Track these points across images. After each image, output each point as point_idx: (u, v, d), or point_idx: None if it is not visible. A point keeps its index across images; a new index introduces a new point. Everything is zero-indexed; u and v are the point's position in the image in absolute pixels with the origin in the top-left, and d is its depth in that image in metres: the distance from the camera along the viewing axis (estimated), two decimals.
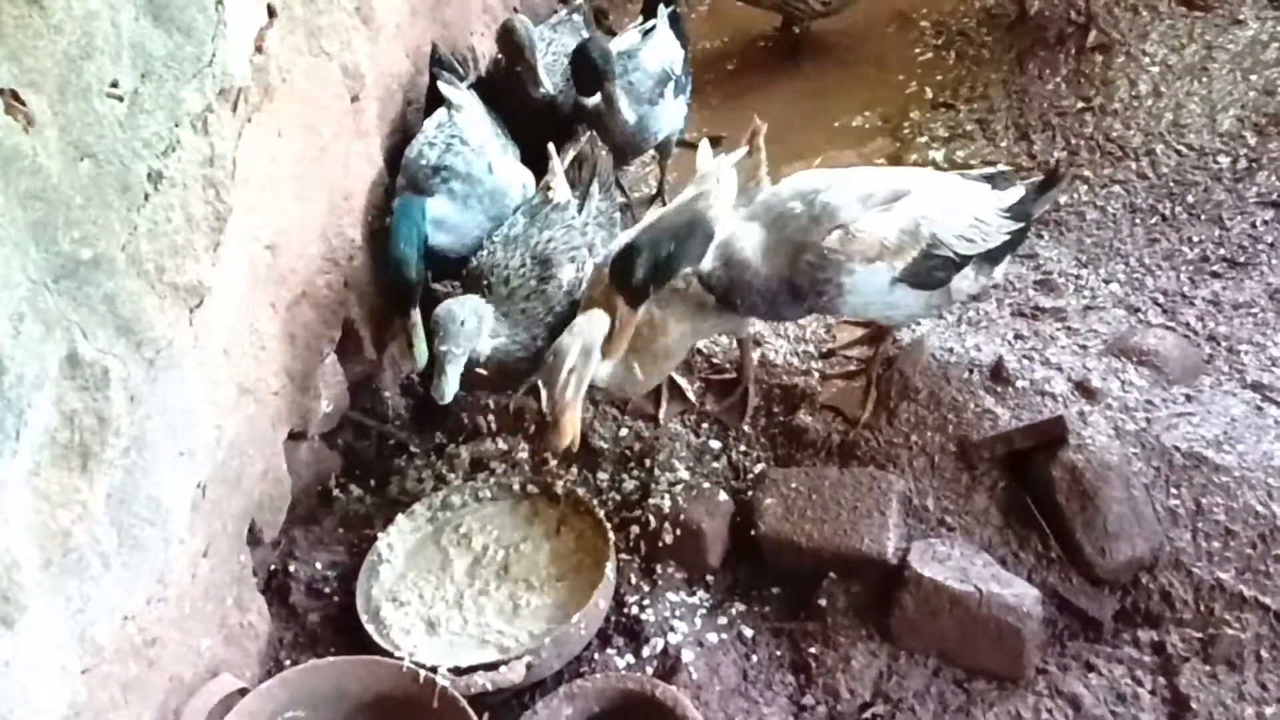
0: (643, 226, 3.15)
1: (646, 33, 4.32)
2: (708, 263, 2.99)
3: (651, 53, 4.25)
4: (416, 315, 3.29)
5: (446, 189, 3.62)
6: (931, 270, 3.05)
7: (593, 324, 3.01)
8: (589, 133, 3.96)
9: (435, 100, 4.02)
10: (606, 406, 3.59)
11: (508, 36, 4.03)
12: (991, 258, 3.17)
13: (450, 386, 3.06)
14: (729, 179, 3.36)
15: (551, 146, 3.80)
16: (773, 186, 3.26)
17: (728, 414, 3.55)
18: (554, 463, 3.45)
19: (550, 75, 4.09)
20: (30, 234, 2.06)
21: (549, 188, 3.67)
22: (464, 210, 3.64)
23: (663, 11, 4.44)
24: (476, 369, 3.21)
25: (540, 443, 3.51)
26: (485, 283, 3.40)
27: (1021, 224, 3.17)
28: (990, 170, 3.40)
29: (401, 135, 3.92)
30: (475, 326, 3.15)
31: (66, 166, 2.14)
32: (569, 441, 2.94)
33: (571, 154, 3.84)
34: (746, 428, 3.51)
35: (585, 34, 4.42)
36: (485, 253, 3.50)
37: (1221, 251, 4.00)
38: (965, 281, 3.16)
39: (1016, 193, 3.16)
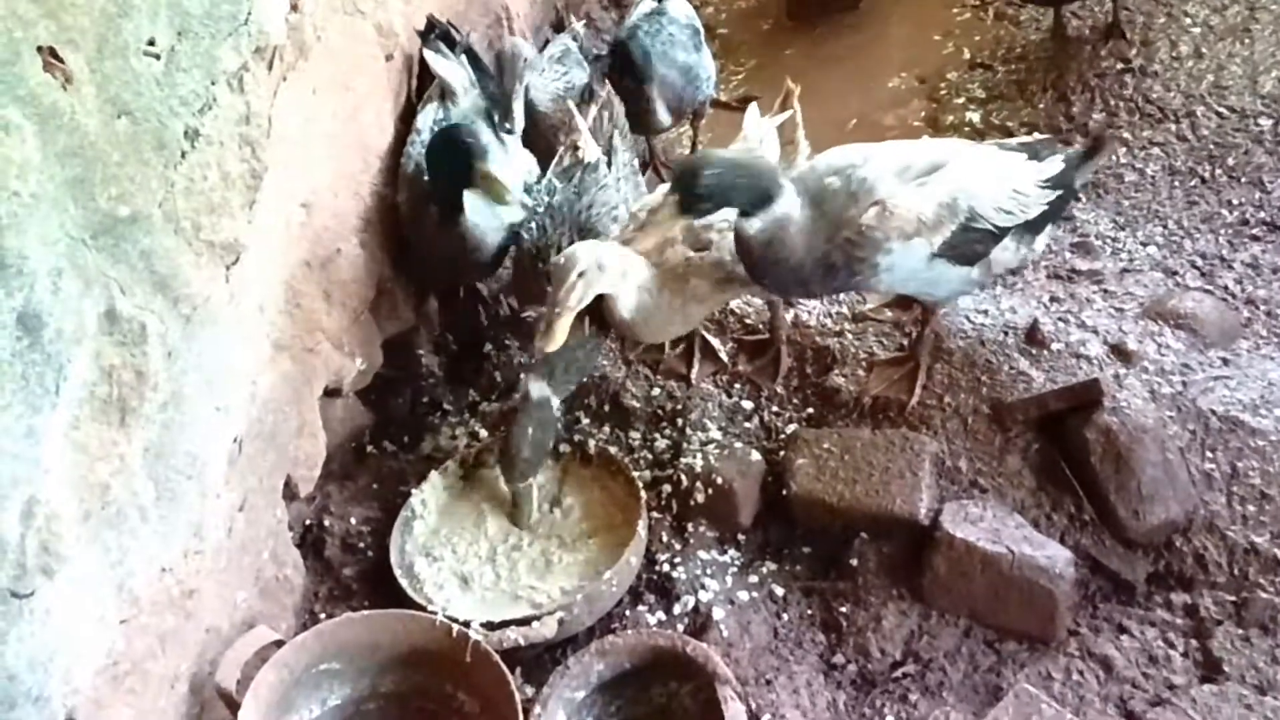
0: (722, 151, 3.09)
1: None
2: (754, 225, 2.91)
3: (676, 4, 4.25)
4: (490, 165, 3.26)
5: None
6: (971, 243, 3.01)
7: (615, 248, 3.05)
8: (606, 88, 3.89)
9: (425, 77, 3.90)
10: (639, 366, 3.60)
11: (498, 60, 4.01)
12: (1032, 228, 3.13)
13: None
14: (772, 142, 3.35)
15: (572, 104, 3.76)
16: (810, 160, 3.22)
17: (760, 374, 3.54)
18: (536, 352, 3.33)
19: (557, 103, 4.02)
20: (69, 191, 2.08)
21: (576, 146, 3.62)
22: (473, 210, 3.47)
23: None
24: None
25: (531, 340, 3.47)
26: (542, 260, 3.37)
27: (1061, 192, 3.12)
28: (1029, 139, 3.34)
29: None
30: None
31: (104, 124, 2.15)
32: (554, 346, 2.94)
33: (594, 111, 3.77)
34: (779, 388, 3.50)
35: (585, 66, 4.26)
36: (535, 229, 3.46)
37: (1261, 214, 3.96)
38: (1006, 254, 3.12)
39: (1056, 163, 3.12)
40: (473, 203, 3.40)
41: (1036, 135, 3.38)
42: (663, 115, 4.02)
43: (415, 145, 3.60)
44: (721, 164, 2.85)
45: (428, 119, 3.67)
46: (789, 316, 3.60)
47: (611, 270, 2.98)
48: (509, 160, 3.70)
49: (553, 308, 2.94)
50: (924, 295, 3.23)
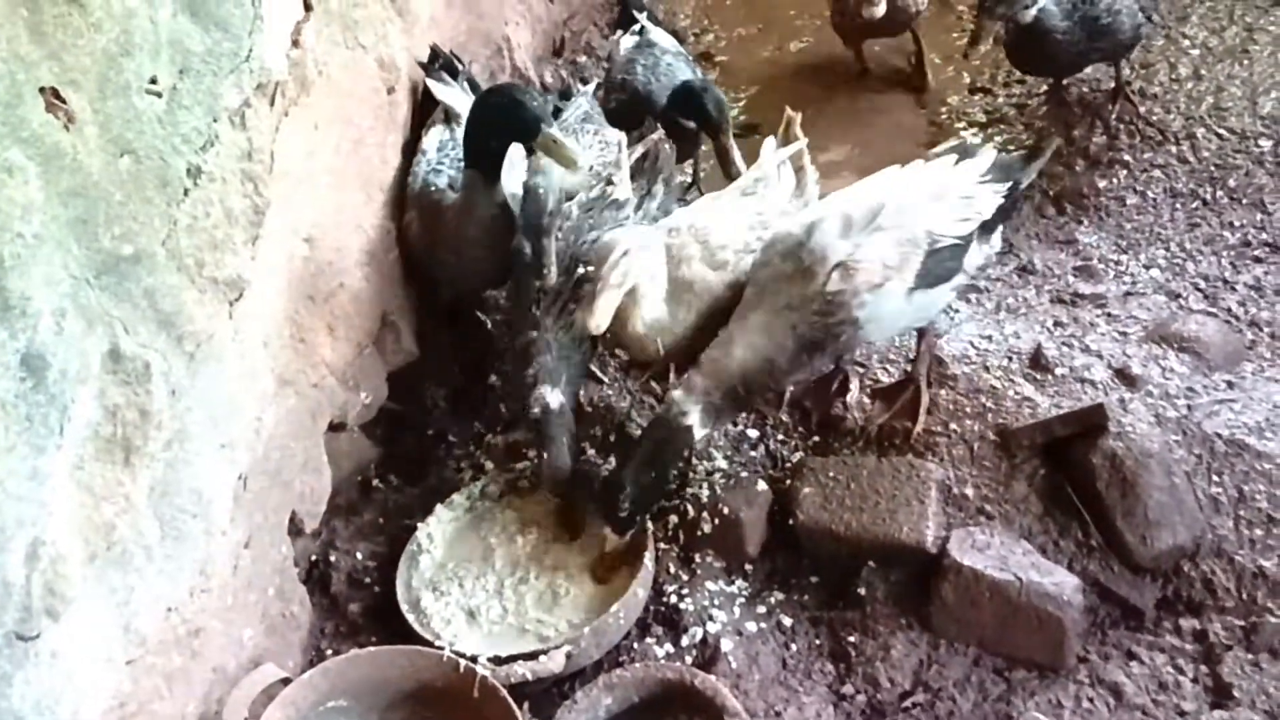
0: (623, 462, 3.14)
1: (638, 32, 4.36)
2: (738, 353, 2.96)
3: (658, 34, 4.29)
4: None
5: None
6: (942, 263, 3.01)
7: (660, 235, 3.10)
8: (658, 130, 3.83)
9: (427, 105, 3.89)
10: (644, 395, 3.60)
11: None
12: (986, 226, 3.12)
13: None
14: (787, 174, 3.36)
15: (624, 139, 3.72)
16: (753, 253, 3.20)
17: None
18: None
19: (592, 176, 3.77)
20: (71, 231, 2.09)
21: (611, 181, 3.57)
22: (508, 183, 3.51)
23: (642, 16, 4.53)
24: None
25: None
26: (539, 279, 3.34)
27: (1010, 184, 3.12)
28: (950, 144, 3.36)
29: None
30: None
31: (107, 163, 2.16)
32: (599, 325, 2.92)
33: (640, 150, 3.75)
34: (784, 416, 3.49)
35: (600, 126, 4.01)
36: (532, 246, 3.38)
37: (1264, 236, 3.97)
38: (974, 256, 3.12)
39: (988, 155, 3.16)
40: (508, 175, 3.45)
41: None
42: (739, 164, 3.95)
43: (421, 165, 3.62)
44: (630, 478, 3.02)
45: (433, 140, 3.69)
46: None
47: (654, 256, 2.99)
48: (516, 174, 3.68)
49: (597, 285, 2.95)
50: (918, 325, 3.24)
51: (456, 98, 3.79)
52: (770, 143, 3.51)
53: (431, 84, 3.82)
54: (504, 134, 3.31)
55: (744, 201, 3.32)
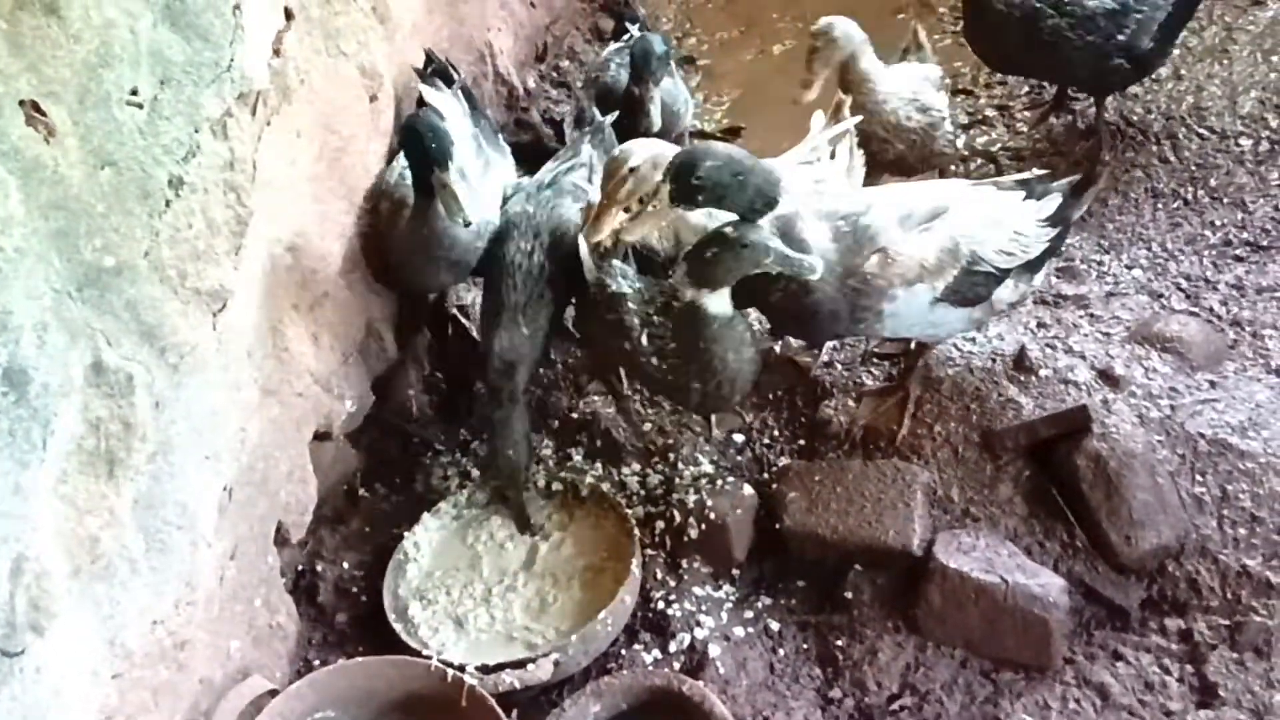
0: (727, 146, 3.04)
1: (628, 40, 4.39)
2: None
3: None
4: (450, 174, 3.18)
5: None
6: (973, 286, 3.02)
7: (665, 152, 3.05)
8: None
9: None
10: (629, 402, 3.59)
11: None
12: (1031, 266, 3.13)
13: None
14: (841, 153, 3.40)
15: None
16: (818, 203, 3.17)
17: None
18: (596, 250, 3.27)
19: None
20: (53, 244, 2.08)
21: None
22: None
23: (634, 28, 4.54)
24: None
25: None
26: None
27: (1060, 229, 3.13)
28: (1024, 176, 3.31)
29: None
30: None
31: (87, 175, 2.15)
32: (601, 239, 2.95)
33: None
34: (770, 420, 3.50)
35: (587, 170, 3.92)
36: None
37: (1244, 235, 3.98)
38: (1006, 291, 3.12)
39: (1054, 200, 3.13)
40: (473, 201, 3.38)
41: (1034, 171, 3.34)
42: (655, 118, 3.99)
43: (399, 161, 3.56)
44: (722, 158, 2.82)
45: None
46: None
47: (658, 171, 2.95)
48: (486, 174, 3.67)
49: (602, 200, 2.99)
50: (926, 337, 3.23)
51: (447, 104, 3.78)
52: (818, 117, 3.52)
53: (424, 89, 3.81)
54: (412, 160, 3.29)
55: (802, 169, 3.30)
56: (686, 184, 2.80)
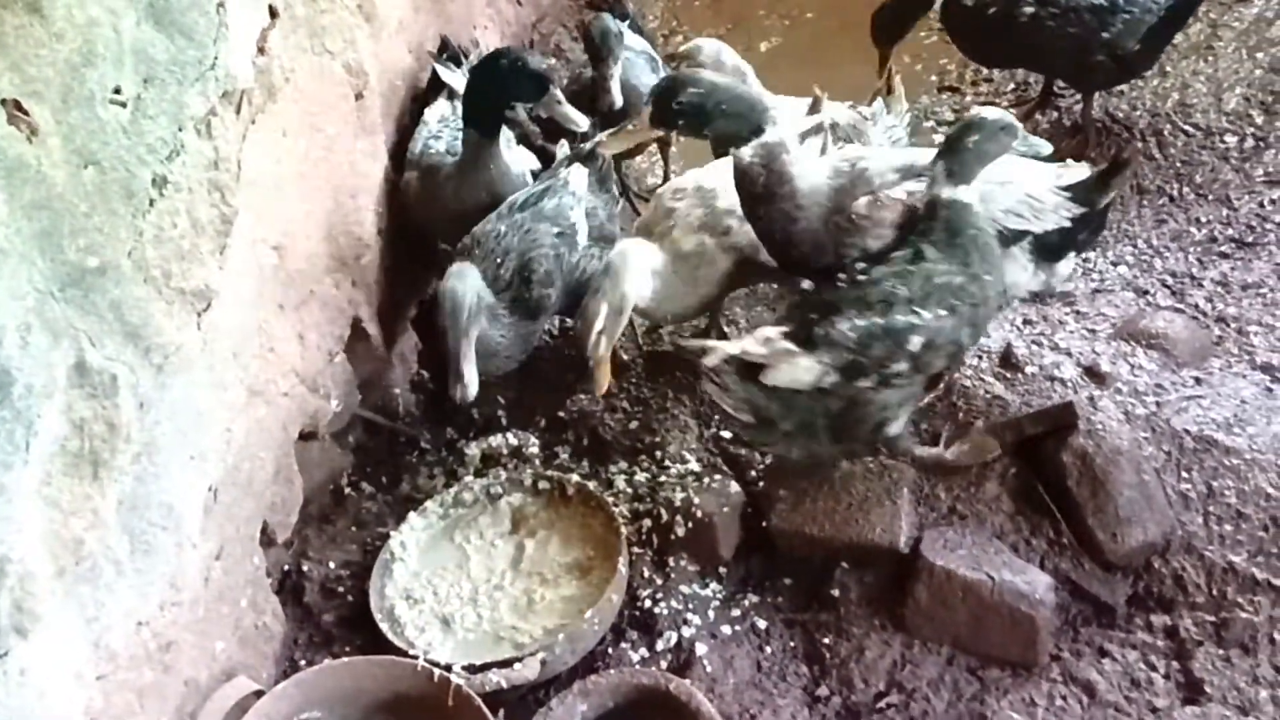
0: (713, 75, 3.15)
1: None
2: (746, 153, 2.92)
3: (632, 38, 4.36)
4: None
5: None
6: None
7: (618, 279, 3.13)
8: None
9: (434, 93, 4.09)
10: (616, 400, 3.59)
11: (587, 39, 4.14)
12: (1051, 252, 3.10)
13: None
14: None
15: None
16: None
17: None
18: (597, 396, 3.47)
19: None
20: (36, 244, 2.07)
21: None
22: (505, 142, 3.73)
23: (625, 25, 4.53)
24: None
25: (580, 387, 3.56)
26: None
27: (1085, 211, 3.06)
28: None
29: (406, 132, 3.92)
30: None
31: (71, 175, 2.14)
32: (603, 389, 3.07)
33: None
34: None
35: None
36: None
37: (1229, 232, 4.00)
38: (1022, 274, 3.11)
39: (1079, 171, 3.11)
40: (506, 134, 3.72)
41: (1068, 162, 3.31)
42: (616, 95, 4.04)
43: (422, 133, 3.86)
44: (705, 86, 2.91)
45: (435, 114, 3.95)
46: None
47: (630, 294, 3.10)
48: (515, 150, 3.91)
49: (590, 360, 3.14)
50: None
51: (460, 81, 4.00)
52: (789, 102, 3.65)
53: (439, 68, 4.08)
54: (509, 93, 3.56)
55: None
56: (666, 107, 2.92)
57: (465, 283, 3.22)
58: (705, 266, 3.26)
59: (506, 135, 3.81)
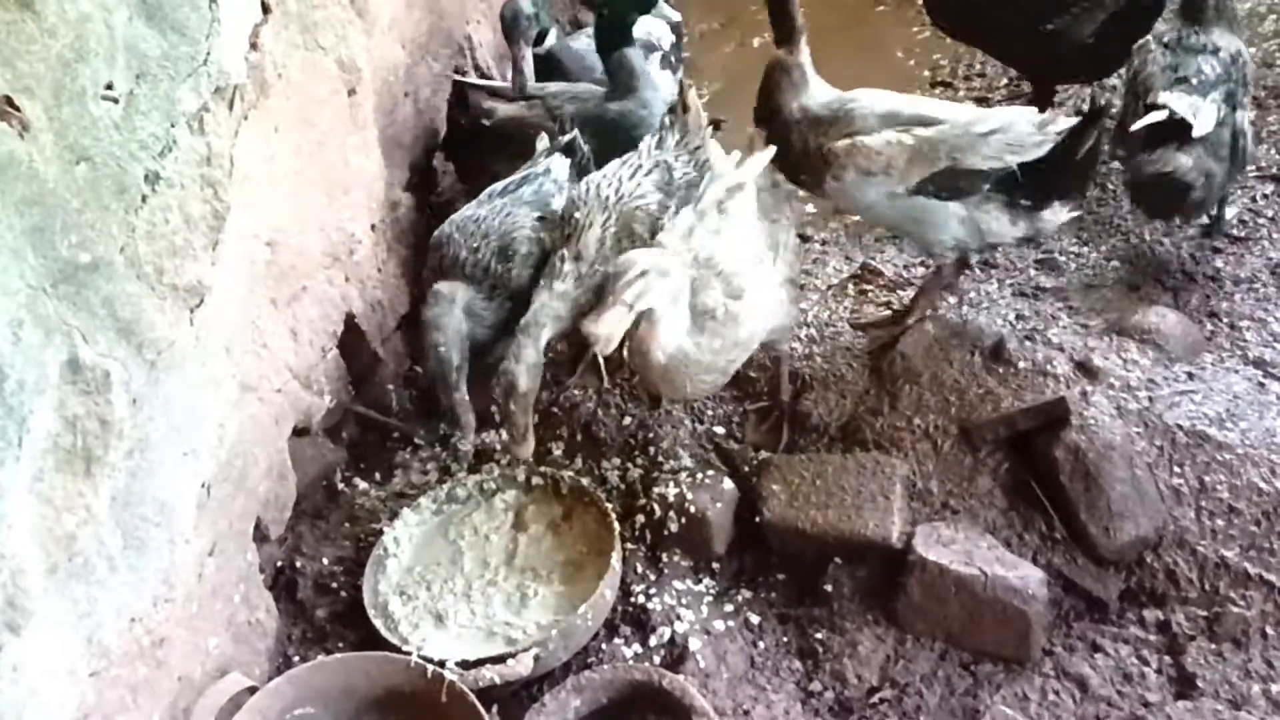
0: None
1: None
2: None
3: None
4: None
5: None
6: (953, 183, 3.16)
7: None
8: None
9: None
10: (609, 396, 3.59)
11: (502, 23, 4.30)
12: (1034, 201, 3.21)
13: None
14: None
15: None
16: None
17: (765, 440, 3.45)
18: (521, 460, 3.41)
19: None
20: (28, 240, 2.06)
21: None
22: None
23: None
24: None
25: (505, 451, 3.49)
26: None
27: (1065, 142, 3.12)
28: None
29: (399, 127, 3.91)
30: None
31: (63, 171, 2.13)
32: (607, 341, 2.81)
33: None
34: (751, 412, 3.50)
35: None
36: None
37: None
38: (997, 224, 3.23)
39: (1066, 121, 3.16)
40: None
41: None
42: (529, 76, 4.22)
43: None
44: None
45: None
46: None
47: (673, 281, 2.84)
48: None
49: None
50: (910, 234, 3.47)
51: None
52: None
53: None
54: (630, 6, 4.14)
55: (730, 220, 3.12)
56: None
57: (447, 333, 3.38)
58: (730, 324, 3.02)
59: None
